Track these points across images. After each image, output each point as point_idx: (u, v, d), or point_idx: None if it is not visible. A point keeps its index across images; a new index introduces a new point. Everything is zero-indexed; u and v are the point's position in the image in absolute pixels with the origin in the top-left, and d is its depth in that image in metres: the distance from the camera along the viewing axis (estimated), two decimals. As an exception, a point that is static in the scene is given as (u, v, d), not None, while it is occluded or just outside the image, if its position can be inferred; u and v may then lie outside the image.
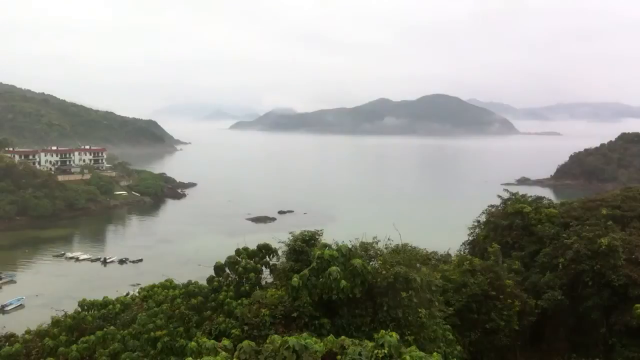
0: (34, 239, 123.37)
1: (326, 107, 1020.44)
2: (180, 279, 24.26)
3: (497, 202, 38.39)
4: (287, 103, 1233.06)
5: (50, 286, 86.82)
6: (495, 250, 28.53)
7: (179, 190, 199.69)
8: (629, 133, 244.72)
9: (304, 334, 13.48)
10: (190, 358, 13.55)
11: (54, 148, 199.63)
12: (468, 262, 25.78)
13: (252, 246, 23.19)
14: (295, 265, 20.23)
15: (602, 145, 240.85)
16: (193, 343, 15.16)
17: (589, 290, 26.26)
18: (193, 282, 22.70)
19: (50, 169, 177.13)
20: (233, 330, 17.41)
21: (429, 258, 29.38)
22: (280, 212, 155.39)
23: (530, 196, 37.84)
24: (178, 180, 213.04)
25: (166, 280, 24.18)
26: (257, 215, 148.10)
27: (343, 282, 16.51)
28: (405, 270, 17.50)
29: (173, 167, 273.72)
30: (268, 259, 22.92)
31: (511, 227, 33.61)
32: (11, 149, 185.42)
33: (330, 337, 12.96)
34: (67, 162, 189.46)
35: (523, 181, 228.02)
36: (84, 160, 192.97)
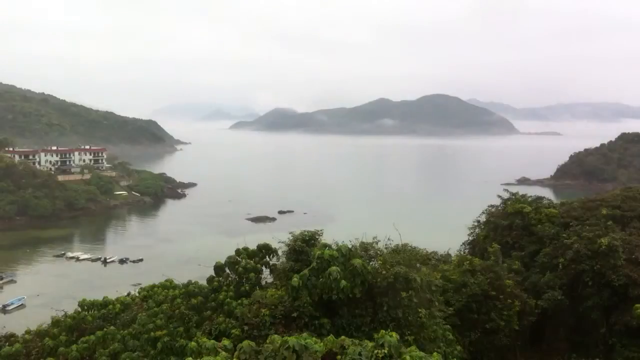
0: (34, 239, 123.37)
1: (326, 107, 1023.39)
2: (180, 279, 24.27)
3: (497, 202, 38.32)
4: (287, 103, 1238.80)
5: (51, 286, 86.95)
6: (495, 250, 28.48)
7: (179, 190, 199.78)
8: (629, 133, 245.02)
9: (304, 334, 13.45)
10: (190, 358, 13.54)
11: (54, 148, 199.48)
12: (468, 262, 25.76)
13: (252, 246, 23.17)
14: (295, 265, 20.20)
15: (602, 145, 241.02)
16: (193, 343, 15.16)
17: (589, 290, 26.23)
18: (193, 282, 22.69)
19: (50, 169, 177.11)
20: (233, 330, 17.40)
21: (429, 258, 29.36)
22: (280, 212, 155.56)
23: (530, 196, 37.75)
24: (178, 180, 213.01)
25: (166, 280, 24.19)
26: (257, 215, 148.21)
27: (343, 282, 16.49)
28: (405, 270, 17.48)
29: (173, 167, 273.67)
30: (268, 259, 22.89)
31: (511, 227, 33.59)
32: (11, 149, 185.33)
33: (330, 337, 12.93)
34: (67, 162, 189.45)
35: (523, 181, 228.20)
36: (84, 160, 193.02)
